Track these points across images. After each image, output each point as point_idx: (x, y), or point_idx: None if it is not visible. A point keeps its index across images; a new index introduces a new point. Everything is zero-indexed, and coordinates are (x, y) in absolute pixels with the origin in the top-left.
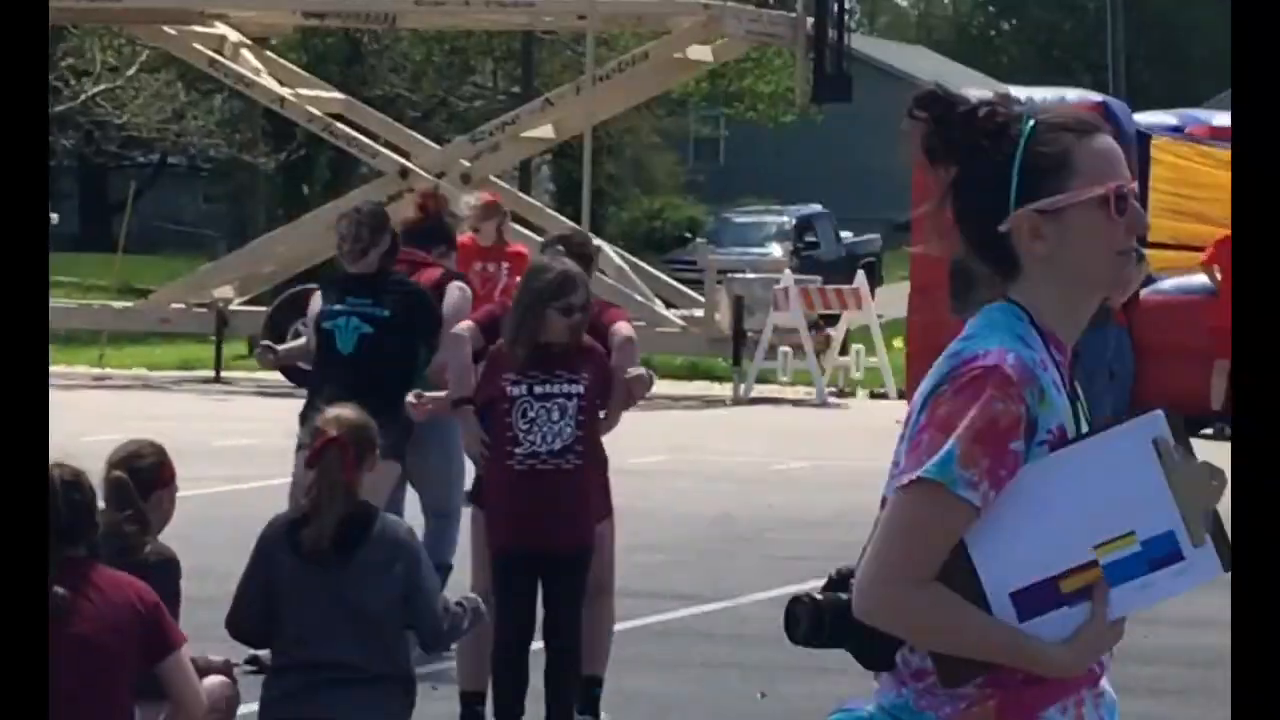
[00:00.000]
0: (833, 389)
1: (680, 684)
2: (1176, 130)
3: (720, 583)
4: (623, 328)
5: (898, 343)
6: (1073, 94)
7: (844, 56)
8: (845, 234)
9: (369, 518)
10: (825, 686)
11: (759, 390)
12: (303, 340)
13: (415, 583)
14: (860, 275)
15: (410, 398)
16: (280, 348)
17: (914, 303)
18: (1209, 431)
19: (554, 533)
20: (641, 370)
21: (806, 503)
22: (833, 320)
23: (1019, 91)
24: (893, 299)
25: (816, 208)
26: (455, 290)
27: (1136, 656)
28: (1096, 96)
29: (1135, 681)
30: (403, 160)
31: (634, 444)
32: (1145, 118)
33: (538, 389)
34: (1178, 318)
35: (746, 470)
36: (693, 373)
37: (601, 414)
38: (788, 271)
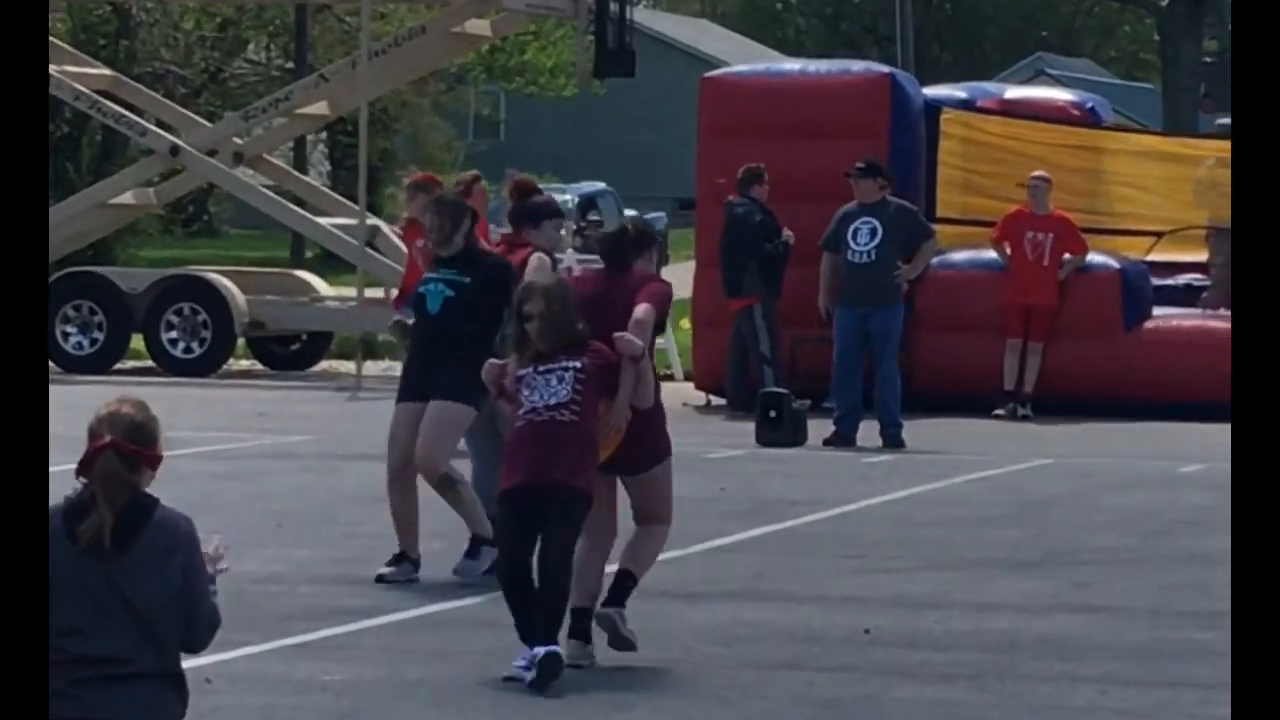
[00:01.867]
0: None
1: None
2: (967, 104)
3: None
4: (639, 309)
5: (685, 323)
6: (858, 66)
7: (626, 30)
8: (630, 212)
9: (149, 507)
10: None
11: None
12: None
13: (192, 579)
14: None
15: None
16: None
17: (699, 281)
18: (1000, 412)
19: (544, 470)
20: (624, 335)
21: None
22: None
23: (803, 65)
24: (677, 278)
25: (600, 185)
26: (535, 259)
27: (928, 642)
28: (883, 69)
29: (927, 668)
30: (173, 138)
31: None
32: (934, 91)
33: (541, 367)
34: (968, 293)
35: None
36: None
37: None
38: (571, 251)
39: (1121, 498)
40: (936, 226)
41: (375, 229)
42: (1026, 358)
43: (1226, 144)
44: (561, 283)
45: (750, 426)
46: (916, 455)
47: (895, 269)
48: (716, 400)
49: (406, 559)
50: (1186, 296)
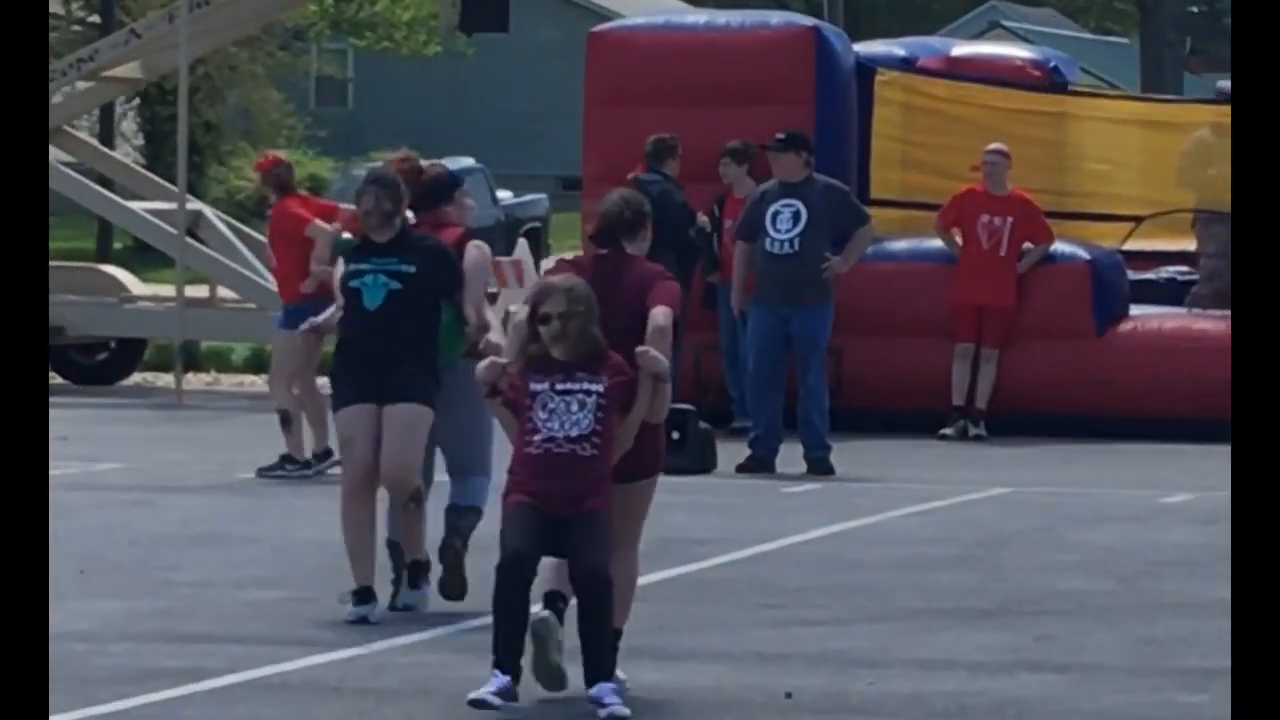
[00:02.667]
0: None
1: None
2: (906, 63)
3: (356, 623)
4: (658, 315)
5: None
6: (777, 19)
7: None
8: (504, 194)
9: None
10: None
11: None
12: (332, 309)
13: None
14: (522, 244)
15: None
16: (319, 318)
17: None
18: (948, 432)
19: (564, 504)
20: (649, 349)
21: None
22: (489, 299)
23: (710, 17)
24: None
25: (468, 162)
26: (474, 249)
27: (861, 707)
28: (806, 22)
29: None
30: None
31: (249, 456)
32: (867, 47)
33: (559, 386)
34: (909, 290)
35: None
36: (325, 362)
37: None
38: None
39: (1092, 534)
40: (871, 210)
41: (198, 215)
42: (979, 366)
43: (1219, 110)
44: (582, 283)
45: None
46: (848, 484)
47: (823, 261)
48: None
49: (372, 594)
50: (1170, 293)
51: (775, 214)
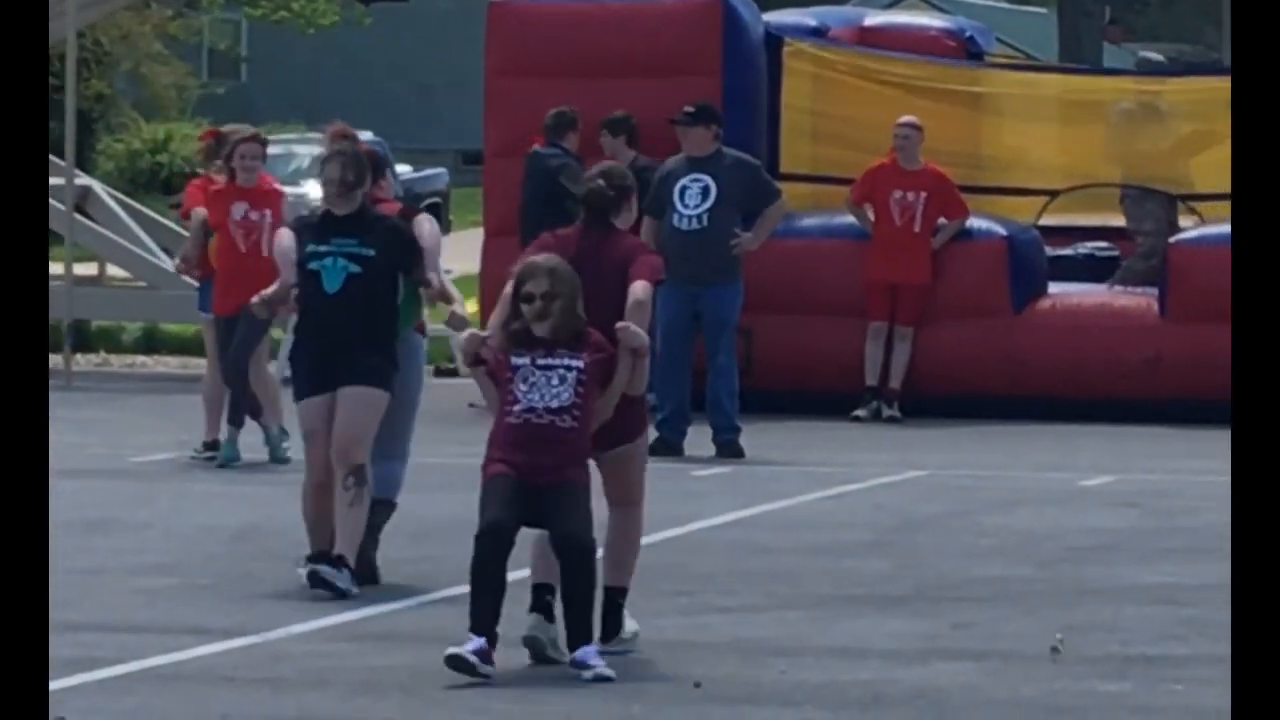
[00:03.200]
0: None
1: None
2: (817, 33)
3: (252, 611)
4: (636, 289)
5: (471, 304)
6: None
7: None
8: (403, 169)
9: None
10: None
11: None
12: (275, 286)
13: None
14: None
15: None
16: (265, 293)
17: (489, 252)
18: (861, 413)
19: (543, 472)
20: (628, 325)
21: None
22: None
23: None
24: (463, 249)
25: (367, 136)
26: (426, 223)
27: (773, 697)
28: None
29: None
30: None
31: (140, 440)
32: (777, 17)
33: (540, 361)
34: (820, 268)
35: (280, 467)
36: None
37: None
38: None
39: (1010, 518)
40: (782, 184)
41: (86, 190)
42: (893, 346)
43: (1142, 82)
44: (565, 264)
45: None
46: (758, 467)
47: (732, 238)
48: None
49: (325, 555)
50: (1088, 269)
51: (683, 189)
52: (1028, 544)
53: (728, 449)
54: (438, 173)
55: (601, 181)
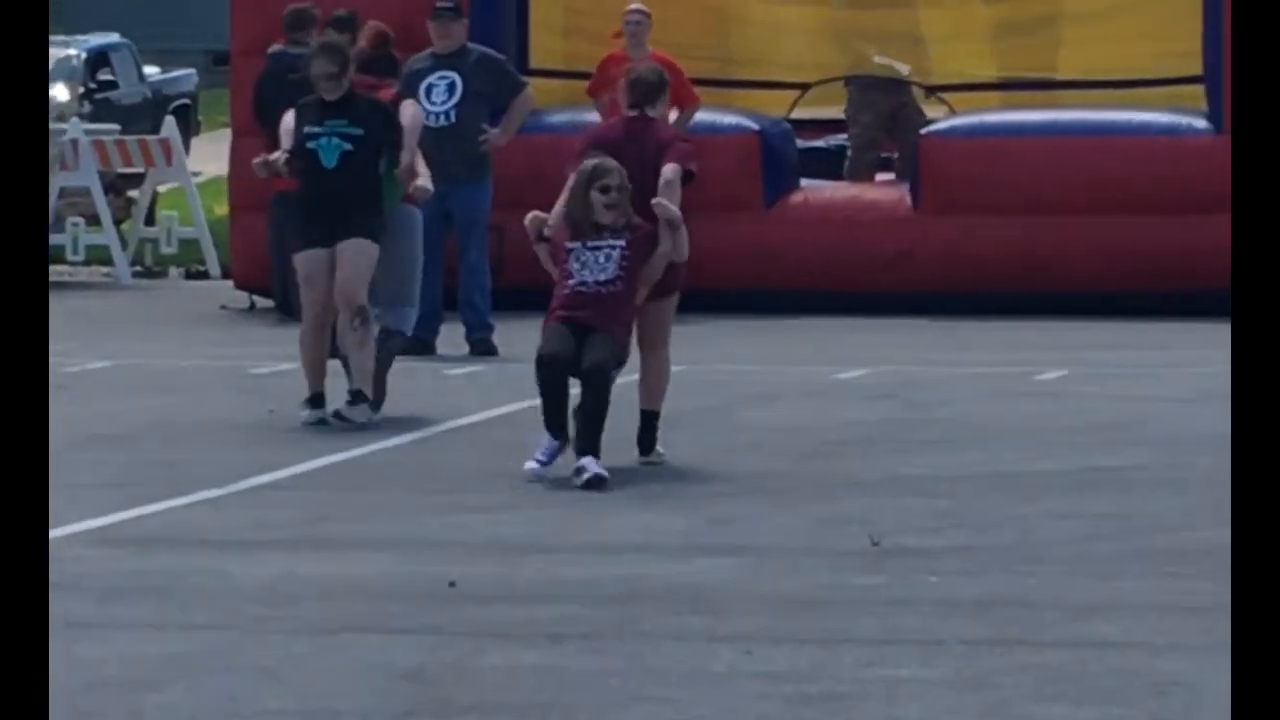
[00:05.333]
0: (139, 268)
1: None
2: None
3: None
4: (666, 170)
5: (220, 207)
6: None
7: None
8: (150, 70)
9: None
10: None
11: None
12: (277, 155)
13: None
14: (170, 122)
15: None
16: (268, 157)
17: (237, 152)
18: None
19: (589, 322)
20: (660, 200)
21: (104, 413)
22: (136, 180)
23: None
24: (212, 151)
25: (113, 37)
26: (409, 106)
27: (530, 595)
28: None
29: (530, 627)
30: None
31: None
32: None
33: (590, 244)
34: (569, 162)
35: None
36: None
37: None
38: (76, 120)
39: (766, 413)
40: (533, 80)
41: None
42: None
43: None
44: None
45: None
46: (511, 365)
47: (481, 134)
48: (263, 302)
49: (323, 400)
50: (840, 162)
51: (430, 87)
52: (784, 438)
53: (480, 347)
54: (186, 74)
55: (646, 72)
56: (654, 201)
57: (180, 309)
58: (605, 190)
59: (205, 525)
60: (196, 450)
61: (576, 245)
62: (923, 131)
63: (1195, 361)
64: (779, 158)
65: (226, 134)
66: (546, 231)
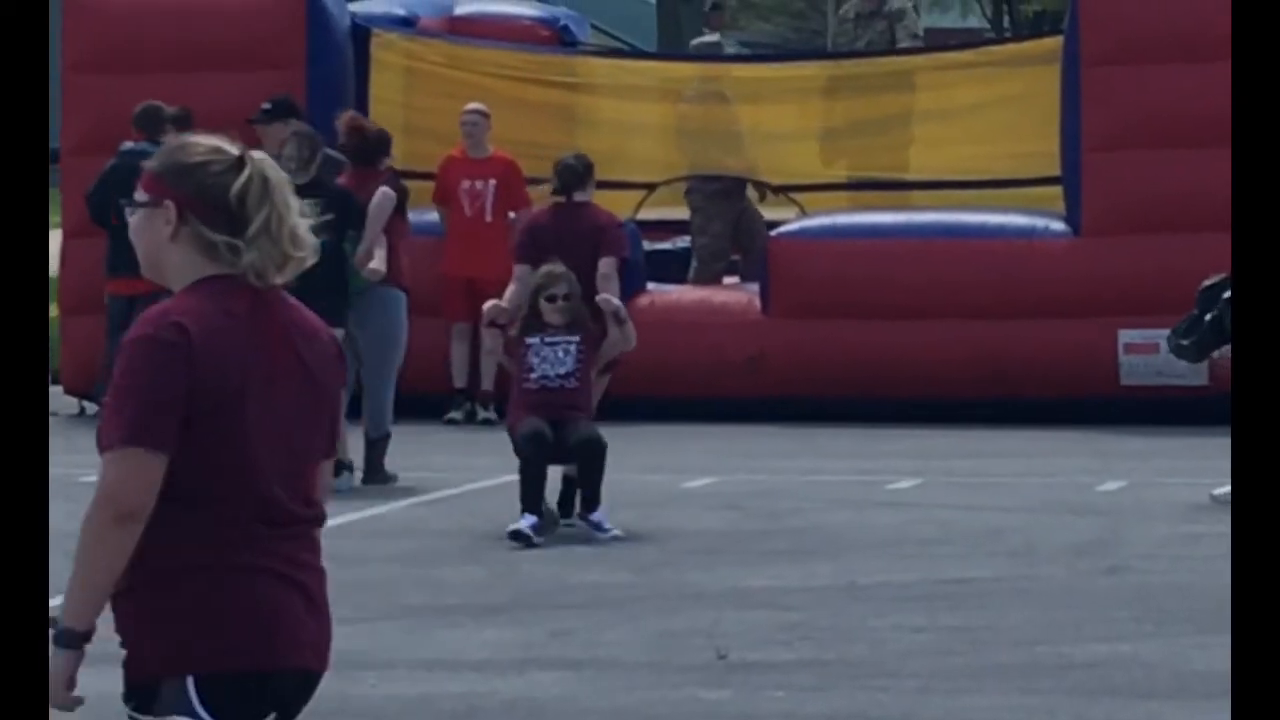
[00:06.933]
0: None
1: None
2: (406, 23)
3: None
4: (602, 265)
5: (52, 308)
6: None
7: None
8: None
9: None
10: None
11: None
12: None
13: None
14: None
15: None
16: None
17: (68, 254)
18: (455, 416)
19: (559, 413)
20: (606, 296)
21: None
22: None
23: None
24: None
25: None
26: (379, 194)
27: (365, 710)
28: None
29: None
30: None
31: None
32: (364, 7)
33: (548, 339)
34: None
35: None
36: None
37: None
38: None
39: (609, 521)
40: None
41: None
42: (482, 345)
43: (710, 68)
44: (570, 272)
45: None
46: (349, 474)
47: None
48: (91, 407)
49: (344, 467)
50: (686, 265)
51: None
52: (627, 548)
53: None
54: None
55: (571, 159)
56: (598, 298)
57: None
58: (552, 299)
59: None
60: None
61: (535, 340)
62: (773, 233)
63: (1050, 470)
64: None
65: (55, 234)
66: (501, 319)
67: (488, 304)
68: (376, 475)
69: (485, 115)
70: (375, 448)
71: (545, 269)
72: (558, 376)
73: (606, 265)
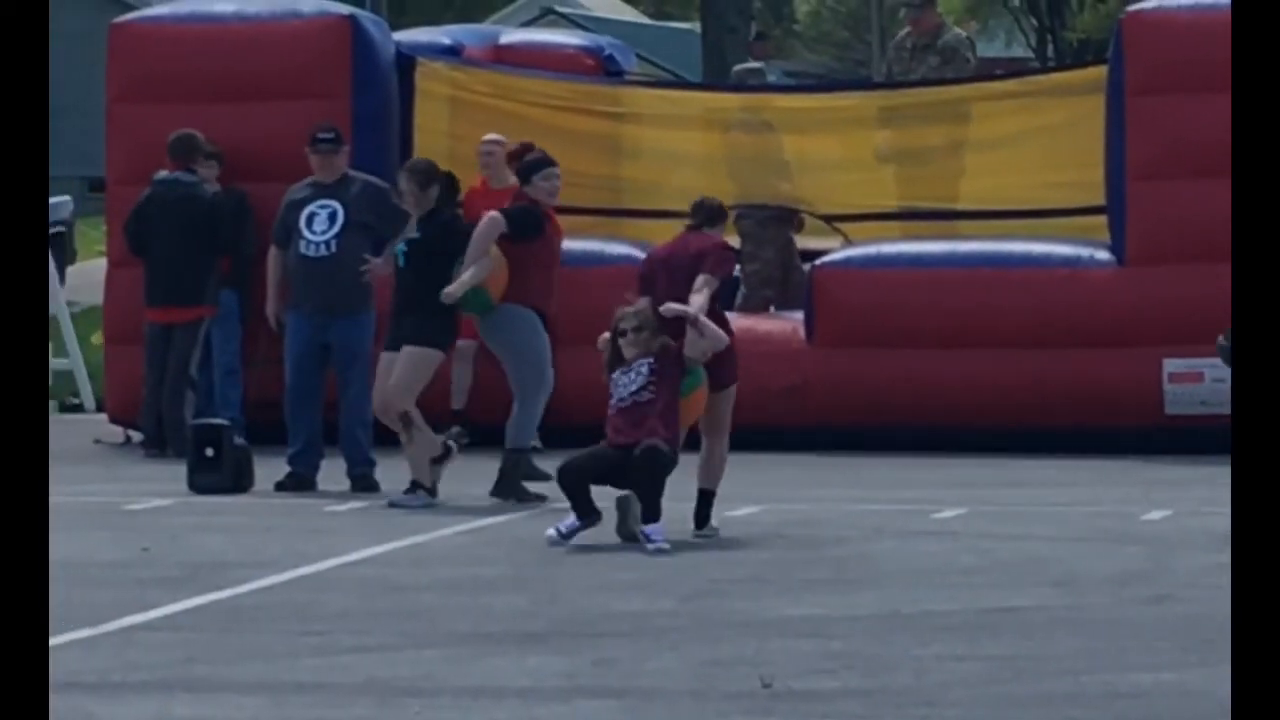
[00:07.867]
0: None
1: None
2: (451, 52)
3: None
4: (698, 280)
5: (96, 337)
6: (309, 7)
7: None
8: None
9: None
10: None
11: None
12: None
13: None
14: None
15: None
16: (379, 260)
17: (113, 281)
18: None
19: (633, 436)
20: (670, 304)
21: None
22: None
23: (239, 6)
24: (88, 281)
25: None
26: (485, 217)
27: None
28: (342, 10)
29: None
30: None
31: None
32: (409, 36)
33: (622, 370)
34: None
35: None
36: None
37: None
38: None
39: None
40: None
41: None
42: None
43: (754, 98)
44: (646, 305)
45: (181, 469)
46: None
47: (362, 264)
48: (138, 436)
49: (420, 487)
50: (733, 294)
51: (310, 216)
52: (671, 577)
53: (362, 483)
54: (62, 200)
55: (710, 198)
56: (661, 308)
57: (53, 443)
58: (623, 334)
59: (77, 666)
60: (68, 589)
61: (615, 374)
62: (817, 262)
63: (1094, 500)
64: None
65: (100, 263)
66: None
67: (601, 337)
68: (503, 487)
69: (500, 144)
70: (507, 459)
71: (619, 309)
72: (630, 395)
73: (700, 280)
